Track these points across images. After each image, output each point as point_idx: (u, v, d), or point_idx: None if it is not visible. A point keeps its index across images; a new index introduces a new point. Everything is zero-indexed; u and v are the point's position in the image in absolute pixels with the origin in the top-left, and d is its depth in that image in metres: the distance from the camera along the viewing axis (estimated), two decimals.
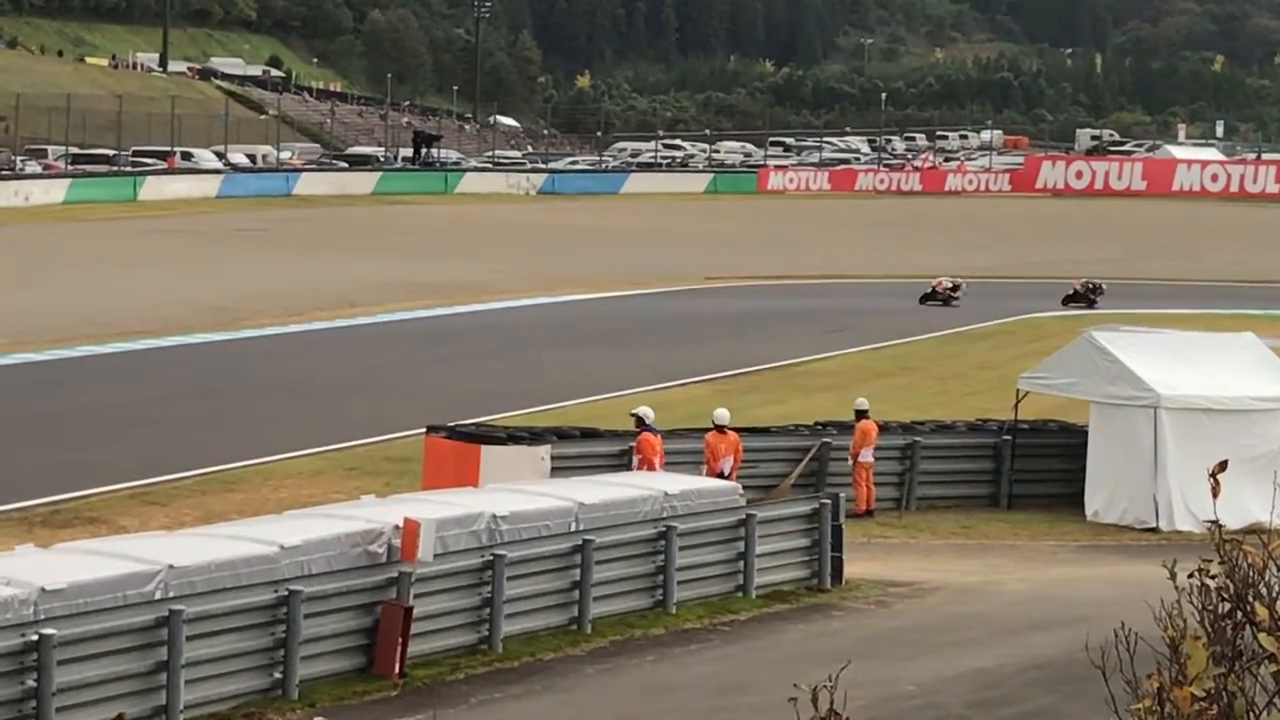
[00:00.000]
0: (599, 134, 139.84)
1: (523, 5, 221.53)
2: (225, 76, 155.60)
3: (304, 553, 18.23)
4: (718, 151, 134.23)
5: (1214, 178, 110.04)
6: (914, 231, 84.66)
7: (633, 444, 26.09)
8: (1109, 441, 27.83)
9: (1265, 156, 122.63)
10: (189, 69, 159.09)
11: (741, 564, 22.41)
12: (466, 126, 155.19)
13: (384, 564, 18.80)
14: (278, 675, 17.85)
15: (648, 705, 18.27)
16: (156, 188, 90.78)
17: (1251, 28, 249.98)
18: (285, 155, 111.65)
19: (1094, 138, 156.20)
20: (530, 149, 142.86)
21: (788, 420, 30.39)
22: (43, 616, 16.16)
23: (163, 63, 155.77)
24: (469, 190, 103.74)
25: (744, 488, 24.03)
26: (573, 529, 20.77)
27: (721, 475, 25.47)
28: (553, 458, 26.11)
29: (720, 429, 26.78)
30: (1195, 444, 26.40)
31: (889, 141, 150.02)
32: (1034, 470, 29.41)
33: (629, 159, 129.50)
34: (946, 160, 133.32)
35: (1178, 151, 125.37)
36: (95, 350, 41.87)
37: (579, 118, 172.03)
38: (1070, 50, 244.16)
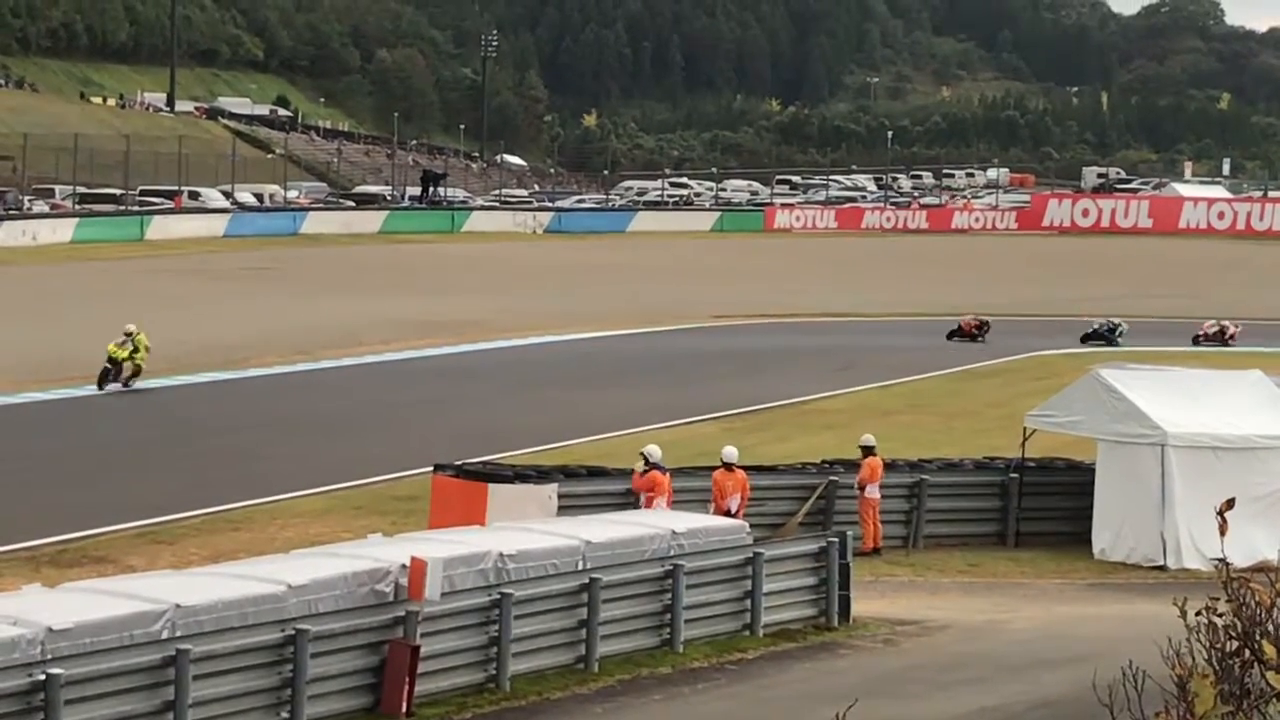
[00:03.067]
0: (606, 172, 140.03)
1: (529, 44, 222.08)
2: (232, 116, 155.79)
3: (311, 592, 18.21)
4: (724, 190, 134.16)
5: (1220, 215, 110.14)
6: (920, 269, 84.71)
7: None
8: (1116, 479, 27.80)
9: (1271, 194, 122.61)
10: (196, 108, 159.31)
11: (749, 602, 22.37)
12: (473, 165, 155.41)
13: (391, 603, 18.77)
14: (285, 715, 17.81)
15: None
16: (164, 227, 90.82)
17: (1258, 65, 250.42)
18: (292, 194, 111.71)
19: (1100, 175, 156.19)
20: (537, 187, 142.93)
21: (795, 458, 30.37)
22: (50, 656, 16.13)
23: (170, 102, 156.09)
24: (476, 229, 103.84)
25: (751, 526, 24.01)
26: (580, 567, 20.74)
27: (729, 513, 25.44)
28: (560, 496, 26.09)
29: (728, 467, 26.75)
30: (1202, 482, 26.33)
31: (895, 180, 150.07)
32: (1041, 508, 29.39)
33: (636, 197, 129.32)
34: (953, 198, 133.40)
35: (1184, 189, 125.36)
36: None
37: (586, 156, 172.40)
38: (1076, 88, 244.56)
